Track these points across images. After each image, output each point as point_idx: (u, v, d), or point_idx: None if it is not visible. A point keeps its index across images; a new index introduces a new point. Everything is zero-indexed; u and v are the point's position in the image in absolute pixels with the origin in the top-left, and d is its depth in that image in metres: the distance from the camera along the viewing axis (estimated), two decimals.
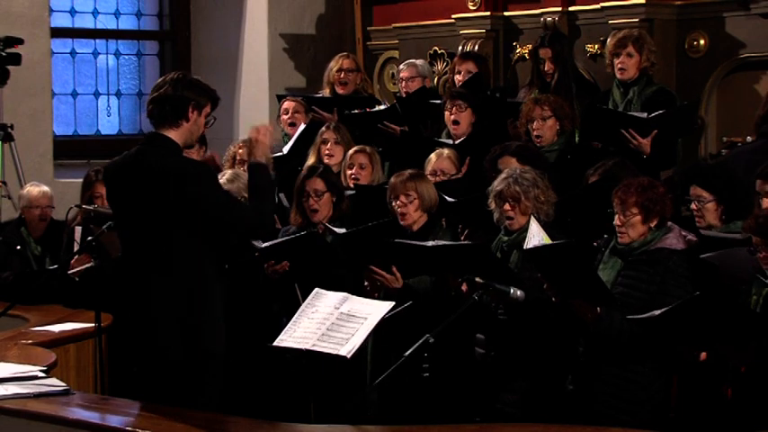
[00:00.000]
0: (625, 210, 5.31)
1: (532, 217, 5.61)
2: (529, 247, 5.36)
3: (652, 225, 5.33)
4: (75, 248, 7.10)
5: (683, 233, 5.35)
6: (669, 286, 5.19)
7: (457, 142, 7.10)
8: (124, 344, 5.03)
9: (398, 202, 6.09)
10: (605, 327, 5.19)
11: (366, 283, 5.93)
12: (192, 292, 4.84)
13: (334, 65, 8.25)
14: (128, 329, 4.96)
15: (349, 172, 6.96)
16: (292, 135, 7.82)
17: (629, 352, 5.20)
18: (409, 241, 5.80)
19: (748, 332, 4.73)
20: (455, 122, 7.19)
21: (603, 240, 5.53)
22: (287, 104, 8.06)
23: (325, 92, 8.29)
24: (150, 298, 4.85)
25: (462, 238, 6.14)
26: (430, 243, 5.70)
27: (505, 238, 5.79)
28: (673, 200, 5.43)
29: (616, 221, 5.35)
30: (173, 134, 4.90)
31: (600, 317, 5.18)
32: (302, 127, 7.80)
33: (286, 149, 7.77)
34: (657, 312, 4.80)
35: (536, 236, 5.42)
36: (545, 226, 5.66)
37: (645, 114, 6.66)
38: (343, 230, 6.14)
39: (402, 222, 6.08)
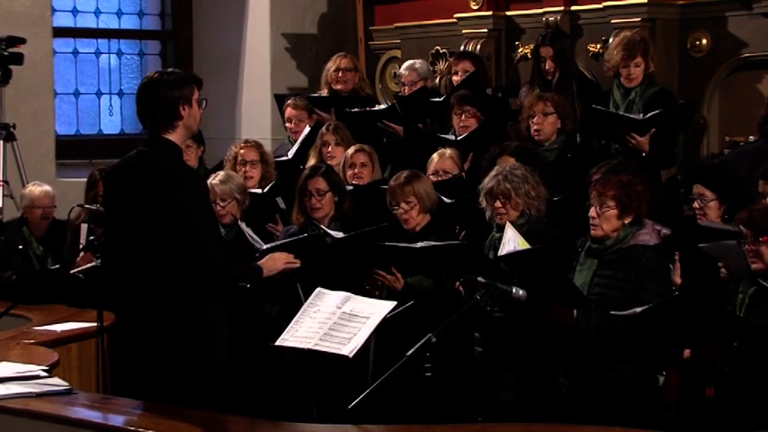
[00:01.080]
0: (602, 202, 5.31)
1: (508, 223, 5.60)
2: (503, 253, 5.36)
3: (626, 221, 5.32)
4: (81, 247, 7.10)
5: (657, 227, 5.36)
6: (645, 282, 5.19)
7: (459, 138, 7.10)
8: (124, 345, 5.02)
9: (400, 210, 6.08)
10: (583, 329, 5.19)
11: (367, 284, 5.94)
12: (189, 296, 4.80)
13: (331, 65, 8.25)
14: (127, 331, 4.95)
15: (350, 172, 6.96)
16: (296, 140, 7.84)
17: (610, 352, 5.20)
18: (397, 244, 5.79)
19: (730, 334, 4.73)
20: (465, 128, 7.19)
21: (580, 241, 5.53)
22: (288, 113, 8.07)
23: (323, 92, 8.29)
24: (146, 301, 4.82)
25: (461, 238, 6.14)
26: (418, 244, 5.71)
27: (498, 235, 5.79)
28: (650, 200, 5.42)
29: (591, 213, 5.35)
30: (172, 136, 4.88)
31: (576, 320, 5.19)
32: (306, 130, 7.81)
33: (291, 153, 7.78)
34: (639, 309, 4.80)
35: (511, 241, 5.42)
36: (536, 221, 5.69)
37: (641, 115, 6.68)
38: (340, 234, 6.13)
39: (406, 227, 6.08)
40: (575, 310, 5.20)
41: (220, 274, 4.86)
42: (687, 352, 5.00)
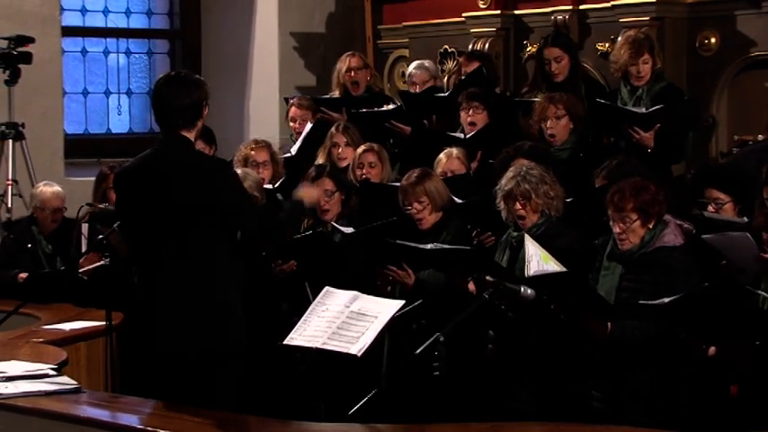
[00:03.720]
0: (624, 217, 5.26)
1: (527, 236, 5.55)
2: (531, 273, 5.30)
3: (650, 226, 5.29)
4: (84, 246, 7.10)
5: (679, 222, 5.33)
6: (677, 284, 5.12)
7: (468, 136, 7.10)
8: (136, 341, 5.04)
9: (413, 210, 6.09)
10: (618, 339, 5.18)
11: (379, 280, 5.95)
12: (208, 292, 4.85)
13: (342, 66, 8.22)
14: (141, 328, 4.96)
15: (359, 171, 6.96)
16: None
17: (642, 355, 5.18)
18: (407, 243, 5.80)
19: (753, 329, 4.71)
20: (471, 123, 7.19)
21: (600, 241, 5.50)
22: (293, 112, 8.07)
23: (335, 93, 8.27)
24: (162, 297, 4.86)
25: (473, 236, 6.14)
26: (428, 246, 5.71)
27: (515, 234, 5.79)
28: (666, 196, 5.39)
29: (615, 229, 5.29)
30: (189, 134, 4.99)
31: (612, 331, 5.18)
32: (308, 127, 7.80)
33: (294, 150, 7.78)
34: (667, 300, 4.78)
35: (534, 256, 5.36)
36: (556, 221, 5.68)
37: (644, 109, 6.66)
38: (350, 230, 6.14)
39: (420, 227, 6.08)
40: (609, 323, 5.18)
41: (278, 235, 5.48)
42: (712, 349, 4.96)
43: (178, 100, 4.94)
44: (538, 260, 5.32)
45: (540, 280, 5.23)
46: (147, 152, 5.02)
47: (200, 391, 4.81)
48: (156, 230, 4.89)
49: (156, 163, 4.94)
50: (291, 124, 8.10)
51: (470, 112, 7.20)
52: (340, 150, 7.30)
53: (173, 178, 4.88)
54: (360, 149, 7.06)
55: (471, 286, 5.62)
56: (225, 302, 4.91)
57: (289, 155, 7.74)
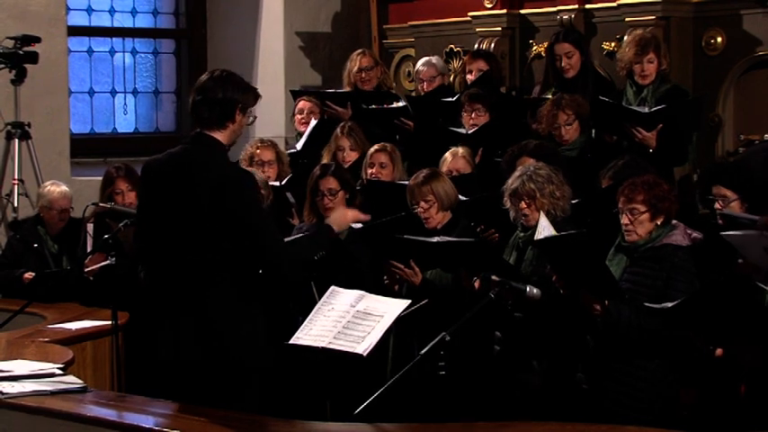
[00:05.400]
0: (632, 208, 5.31)
1: (542, 212, 5.61)
2: (539, 238, 5.37)
3: (658, 223, 5.33)
4: (90, 245, 7.11)
5: (688, 231, 5.36)
6: (676, 282, 5.20)
7: (470, 132, 7.10)
8: (147, 344, 5.00)
9: (420, 209, 6.10)
10: (613, 321, 5.19)
11: (386, 277, 5.95)
12: (231, 302, 4.79)
13: (353, 65, 8.22)
14: (153, 331, 4.92)
15: (370, 171, 6.96)
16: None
17: (638, 347, 5.19)
18: (414, 237, 5.81)
19: (760, 330, 4.71)
20: (474, 126, 7.19)
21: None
22: (302, 105, 8.08)
23: (346, 89, 8.27)
24: (183, 304, 4.79)
25: (478, 231, 6.15)
26: (435, 239, 5.73)
27: (522, 234, 5.80)
28: (678, 197, 5.42)
29: (623, 220, 5.35)
30: (219, 136, 4.86)
31: (607, 310, 5.19)
32: (313, 123, 7.81)
33: (299, 146, 7.80)
34: (670, 304, 4.79)
35: (545, 229, 5.43)
36: (562, 221, 5.69)
37: (646, 108, 6.66)
38: (359, 225, 6.15)
39: (427, 226, 6.10)
40: (606, 301, 5.20)
41: (293, 272, 4.94)
42: (719, 351, 4.96)
43: (211, 93, 4.83)
44: (549, 233, 5.38)
45: (547, 243, 5.24)
46: (177, 149, 4.89)
47: (222, 402, 4.78)
48: (178, 233, 4.78)
49: (186, 164, 4.81)
50: (298, 116, 8.11)
51: (473, 114, 7.21)
52: (345, 154, 7.32)
53: (194, 184, 4.74)
54: (372, 149, 7.07)
55: (477, 284, 5.63)
56: (248, 315, 4.83)
57: (293, 150, 7.76)
